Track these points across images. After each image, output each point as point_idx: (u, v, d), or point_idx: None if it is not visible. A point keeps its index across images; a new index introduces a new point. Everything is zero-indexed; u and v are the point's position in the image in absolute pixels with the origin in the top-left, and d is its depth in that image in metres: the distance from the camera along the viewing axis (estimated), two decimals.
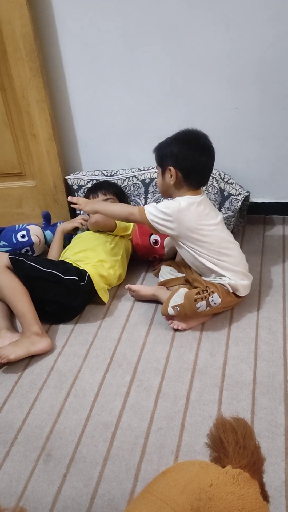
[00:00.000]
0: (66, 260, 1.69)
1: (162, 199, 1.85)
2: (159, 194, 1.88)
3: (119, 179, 1.97)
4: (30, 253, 1.93)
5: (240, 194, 1.85)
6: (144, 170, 1.95)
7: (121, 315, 1.62)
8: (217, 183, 1.85)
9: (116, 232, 1.78)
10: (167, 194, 1.54)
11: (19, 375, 1.41)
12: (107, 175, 1.99)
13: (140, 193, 1.96)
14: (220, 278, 1.49)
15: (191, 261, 1.53)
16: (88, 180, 2.01)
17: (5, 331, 1.53)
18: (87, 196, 1.92)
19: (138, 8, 1.68)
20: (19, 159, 2.00)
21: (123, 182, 1.97)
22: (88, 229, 1.87)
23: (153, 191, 1.93)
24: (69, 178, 2.04)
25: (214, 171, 1.84)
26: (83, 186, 2.02)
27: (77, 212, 2.06)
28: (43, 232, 1.98)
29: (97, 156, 2.03)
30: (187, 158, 1.43)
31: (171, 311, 1.48)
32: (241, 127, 1.86)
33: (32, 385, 1.37)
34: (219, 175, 1.87)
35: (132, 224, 1.82)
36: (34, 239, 1.91)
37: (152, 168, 1.91)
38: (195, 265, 1.54)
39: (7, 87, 1.83)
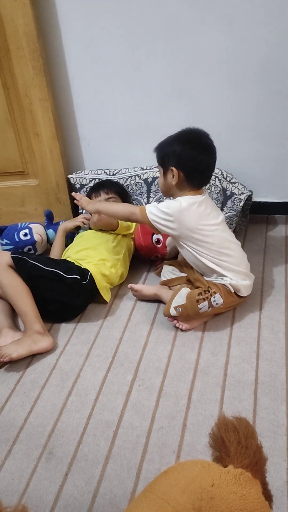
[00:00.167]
0: (68, 259, 1.69)
1: (164, 198, 1.85)
2: (162, 193, 1.88)
3: (121, 178, 1.97)
4: (32, 251, 1.93)
5: (242, 193, 1.85)
6: (146, 169, 1.95)
7: (123, 314, 1.62)
8: (219, 182, 1.85)
9: (118, 231, 1.78)
10: (168, 194, 1.54)
11: (21, 373, 1.41)
12: (109, 174, 1.99)
13: (142, 192, 1.96)
14: (222, 278, 1.49)
15: (192, 261, 1.53)
16: (91, 179, 2.01)
17: (7, 329, 1.54)
18: (89, 195, 1.93)
19: (140, 7, 1.67)
20: (21, 158, 2.00)
21: (126, 181, 1.97)
22: (90, 228, 1.87)
23: (155, 190, 1.93)
24: (71, 177, 2.04)
25: (216, 170, 1.84)
26: (86, 185, 2.02)
27: (79, 211, 2.06)
28: (46, 230, 1.98)
29: (100, 155, 2.03)
30: (189, 158, 1.42)
31: (173, 312, 1.48)
32: (244, 126, 1.85)
33: (34, 384, 1.37)
34: (222, 174, 1.86)
35: (134, 223, 1.82)
36: (36, 237, 1.92)
37: (155, 167, 1.91)
38: (196, 265, 1.53)
39: (10, 85, 1.83)
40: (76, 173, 2.04)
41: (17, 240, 1.90)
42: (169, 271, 1.66)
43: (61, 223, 1.96)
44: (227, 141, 1.80)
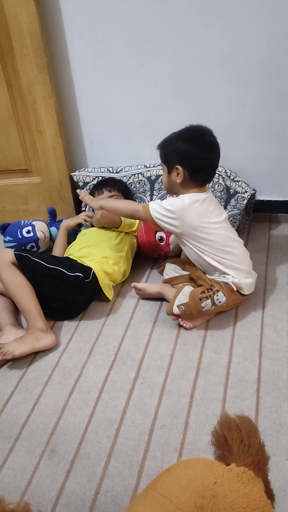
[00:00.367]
0: (70, 257, 1.69)
1: (167, 196, 1.85)
2: (165, 191, 1.88)
3: (124, 176, 1.97)
4: (35, 249, 1.93)
5: (246, 192, 1.85)
6: (150, 167, 1.95)
7: (126, 313, 1.62)
8: (223, 180, 1.84)
9: (121, 228, 1.78)
10: (172, 191, 1.53)
11: (24, 371, 1.42)
12: (112, 172, 1.99)
13: (145, 190, 1.95)
14: (224, 276, 1.49)
15: (195, 259, 1.53)
16: (94, 177, 2.01)
17: (10, 327, 1.54)
18: (92, 192, 1.93)
19: (144, 4, 1.67)
20: (25, 156, 2.00)
21: (129, 179, 1.97)
22: (93, 226, 1.87)
23: (158, 188, 1.93)
24: (74, 175, 2.04)
25: (220, 169, 1.84)
26: (89, 183, 2.02)
27: (82, 209, 2.06)
28: (49, 228, 1.98)
29: (103, 152, 2.03)
30: (194, 156, 1.42)
31: (176, 310, 1.48)
32: (247, 124, 1.85)
33: (37, 381, 1.38)
34: (225, 172, 1.86)
35: (137, 221, 1.82)
36: (39, 234, 1.92)
37: (158, 165, 1.90)
38: (199, 263, 1.53)
39: (14, 83, 1.83)
40: (79, 171, 2.04)
41: (20, 237, 1.90)
42: (171, 269, 1.66)
43: (64, 220, 1.96)
44: (230, 139, 1.80)
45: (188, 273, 1.61)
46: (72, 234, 1.92)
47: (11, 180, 2.07)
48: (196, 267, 1.56)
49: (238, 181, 1.86)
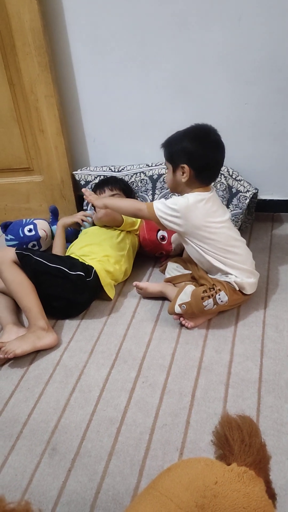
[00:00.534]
0: (72, 255, 1.69)
1: (170, 195, 1.85)
2: (167, 190, 1.88)
3: (126, 175, 1.97)
4: (37, 247, 1.93)
5: (248, 191, 1.84)
6: (152, 166, 1.95)
7: (127, 311, 1.62)
8: (225, 179, 1.84)
9: (123, 227, 1.78)
10: (176, 190, 1.53)
11: (25, 369, 1.42)
12: (114, 171, 1.99)
13: (147, 189, 1.95)
14: (226, 276, 1.48)
15: (197, 258, 1.53)
16: (96, 176, 2.01)
17: (11, 325, 1.54)
18: (93, 191, 1.92)
19: (147, 4, 1.67)
20: (27, 154, 2.00)
21: (131, 178, 1.96)
22: (94, 224, 1.87)
23: (160, 187, 1.93)
24: (76, 174, 2.04)
25: (222, 168, 1.83)
26: (91, 181, 2.02)
27: (83, 208, 2.06)
28: (50, 226, 1.98)
29: (105, 151, 2.03)
30: (201, 155, 1.41)
31: (177, 309, 1.48)
32: (250, 123, 1.85)
33: (38, 380, 1.38)
34: (228, 171, 1.85)
35: (139, 220, 1.82)
36: (41, 233, 1.92)
37: (160, 164, 1.90)
38: (201, 262, 1.53)
39: (16, 82, 1.83)
40: (81, 170, 2.04)
41: (21, 235, 1.90)
42: (173, 268, 1.66)
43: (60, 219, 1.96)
44: (232, 138, 1.78)
45: (190, 272, 1.61)
46: (74, 234, 1.92)
47: (13, 179, 2.07)
48: (198, 266, 1.56)
49: (240, 180, 1.86)
